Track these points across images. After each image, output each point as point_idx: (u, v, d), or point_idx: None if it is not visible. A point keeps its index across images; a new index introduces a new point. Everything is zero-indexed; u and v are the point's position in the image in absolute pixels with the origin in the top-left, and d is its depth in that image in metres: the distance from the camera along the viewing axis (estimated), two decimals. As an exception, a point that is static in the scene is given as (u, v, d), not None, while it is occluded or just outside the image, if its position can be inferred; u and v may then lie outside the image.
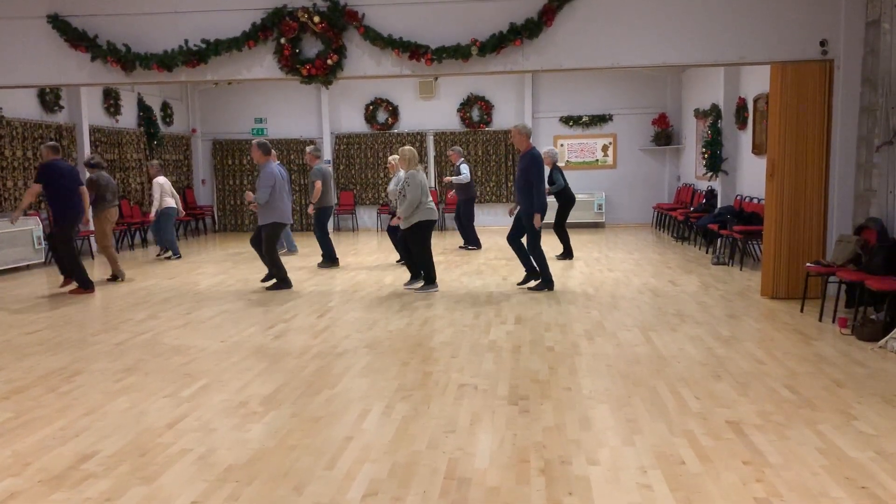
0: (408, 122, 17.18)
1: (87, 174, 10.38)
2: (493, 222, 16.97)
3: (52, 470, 3.83)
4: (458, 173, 12.64)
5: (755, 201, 10.92)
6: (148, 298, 8.79)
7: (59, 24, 8.37)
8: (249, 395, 5.03)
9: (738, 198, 11.89)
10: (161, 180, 12.28)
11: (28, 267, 11.51)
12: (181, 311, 8.02)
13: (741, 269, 10.05)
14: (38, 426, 4.49)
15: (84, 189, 9.29)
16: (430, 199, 8.69)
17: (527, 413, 4.54)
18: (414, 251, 8.84)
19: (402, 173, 10.04)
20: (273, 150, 9.27)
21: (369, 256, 12.41)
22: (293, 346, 6.35)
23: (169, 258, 12.46)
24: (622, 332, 6.65)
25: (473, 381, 5.23)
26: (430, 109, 17.07)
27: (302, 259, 12.18)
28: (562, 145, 16.83)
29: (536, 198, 8.42)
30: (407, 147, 8.90)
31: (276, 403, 4.83)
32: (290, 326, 7.15)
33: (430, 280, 8.86)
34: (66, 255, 9.10)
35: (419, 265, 8.92)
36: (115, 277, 10.04)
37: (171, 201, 12.35)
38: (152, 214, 12.35)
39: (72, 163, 12.90)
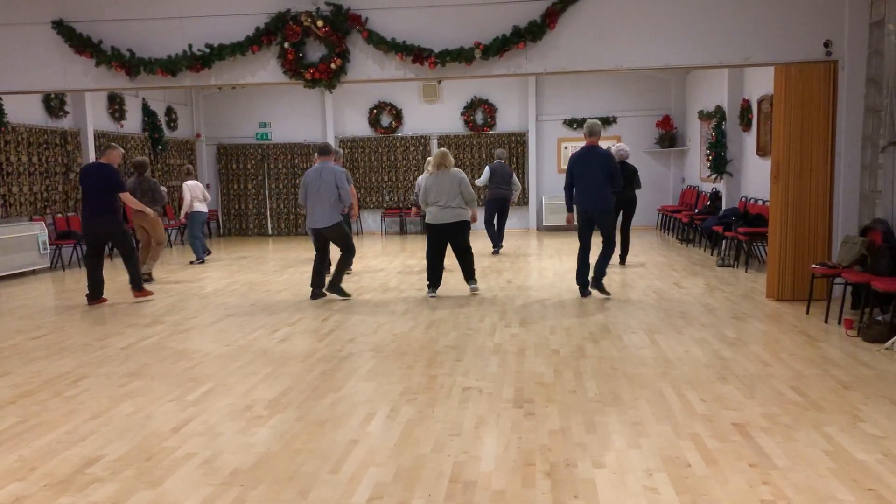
0: (412, 125, 17.20)
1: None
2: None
3: (58, 474, 3.83)
4: None
5: (760, 203, 10.90)
6: (153, 303, 8.80)
7: (64, 29, 8.40)
8: (254, 398, 5.03)
9: (743, 199, 11.87)
10: (190, 184, 12.44)
11: (34, 272, 11.54)
12: (186, 315, 8.03)
13: (746, 271, 10.02)
14: (44, 431, 4.50)
15: (123, 195, 8.84)
16: (442, 203, 8.47)
17: (532, 416, 4.53)
18: None
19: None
20: (332, 151, 8.75)
21: (374, 260, 12.41)
22: (298, 350, 6.35)
23: (200, 262, 12.55)
24: (627, 334, 6.64)
25: (478, 384, 5.23)
26: (433, 113, 17.09)
27: (307, 263, 12.20)
28: (566, 147, 16.83)
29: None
30: (438, 150, 8.82)
31: (281, 407, 4.83)
32: (295, 330, 7.15)
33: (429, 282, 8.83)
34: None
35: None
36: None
37: (199, 205, 12.42)
38: (182, 216, 12.86)
39: (76, 167, 12.98)
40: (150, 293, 8.98)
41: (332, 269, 8.87)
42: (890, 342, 5.91)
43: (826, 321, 6.90)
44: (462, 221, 8.59)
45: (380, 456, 3.97)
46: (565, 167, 16.40)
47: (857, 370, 5.35)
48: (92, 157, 13.29)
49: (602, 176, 8.22)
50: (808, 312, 7.30)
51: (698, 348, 6.08)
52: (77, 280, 10.93)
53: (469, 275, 8.83)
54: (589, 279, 8.51)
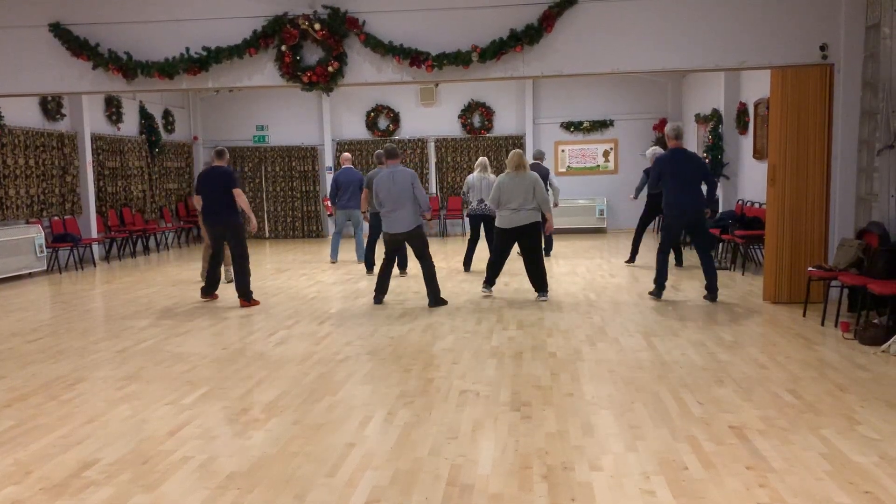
0: (409, 128, 17.20)
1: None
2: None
3: (54, 478, 3.82)
4: None
5: (756, 206, 10.91)
6: (150, 306, 8.78)
7: (61, 32, 8.39)
8: (251, 402, 5.02)
9: (740, 202, 11.88)
10: None
11: (30, 275, 11.52)
12: (183, 318, 8.02)
13: (743, 274, 10.03)
14: (40, 434, 4.48)
15: (236, 191, 8.66)
16: (515, 206, 8.26)
17: (529, 419, 4.53)
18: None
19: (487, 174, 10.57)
20: (400, 154, 8.64)
21: (371, 263, 12.38)
22: (295, 353, 6.34)
23: None
24: (624, 337, 6.64)
25: (475, 387, 5.22)
26: (431, 116, 17.09)
27: (304, 265, 12.19)
28: (563, 151, 16.83)
29: None
30: (513, 151, 8.64)
31: (277, 410, 4.82)
32: (292, 333, 7.14)
33: (486, 280, 8.84)
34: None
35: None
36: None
37: None
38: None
39: (73, 170, 12.97)
40: (257, 302, 8.71)
41: (426, 286, 8.47)
42: (886, 345, 5.92)
43: (823, 324, 6.91)
44: (534, 223, 8.36)
45: (377, 459, 3.96)
46: (563, 170, 16.70)
47: (854, 373, 5.36)
48: (89, 160, 13.30)
49: (698, 177, 8.18)
50: (804, 315, 7.31)
51: (695, 351, 6.09)
52: (73, 283, 10.92)
53: (539, 285, 8.50)
54: (665, 284, 8.42)
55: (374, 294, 8.62)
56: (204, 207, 8.73)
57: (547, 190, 12.20)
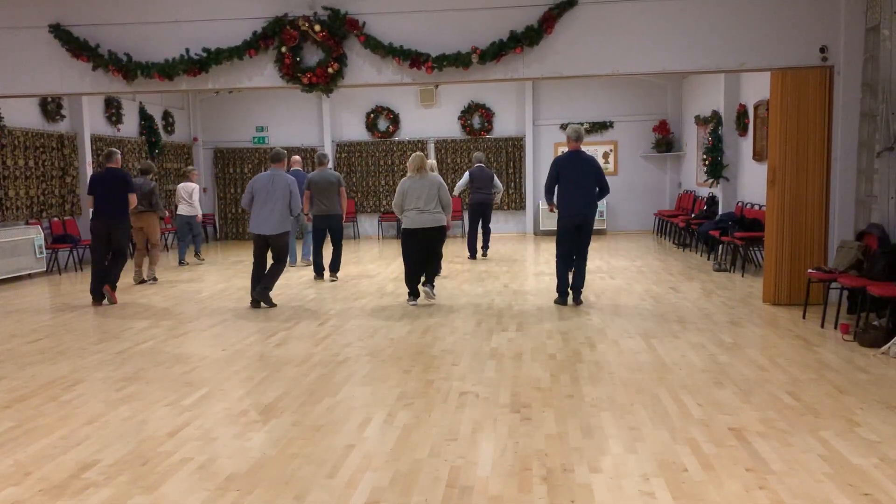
0: (409, 129, 17.21)
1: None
2: (495, 229, 16.94)
3: (53, 479, 3.82)
4: None
5: (756, 208, 10.92)
6: (149, 307, 8.78)
7: (61, 33, 8.40)
8: (250, 403, 5.02)
9: (740, 204, 11.89)
10: (179, 186, 12.89)
11: (30, 276, 11.52)
12: (183, 319, 8.02)
13: (743, 276, 10.03)
14: (39, 435, 4.48)
15: (130, 196, 9.10)
16: (421, 207, 8.24)
17: (528, 421, 4.53)
18: None
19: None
20: (283, 158, 8.74)
21: (370, 264, 12.41)
22: (294, 355, 6.34)
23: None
24: (624, 339, 6.64)
25: (475, 388, 5.22)
26: (430, 117, 17.10)
27: (303, 267, 12.19)
28: (563, 152, 16.83)
29: None
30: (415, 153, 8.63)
31: (277, 412, 4.82)
32: (292, 335, 7.14)
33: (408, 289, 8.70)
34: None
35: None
36: (144, 280, 10.68)
37: (183, 208, 12.78)
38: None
39: (73, 171, 12.97)
40: (116, 301, 9.02)
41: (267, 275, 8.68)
42: (886, 347, 5.92)
43: (822, 326, 6.91)
44: (441, 227, 8.40)
45: (376, 461, 3.96)
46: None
47: (854, 375, 5.36)
48: (89, 161, 13.29)
49: (593, 182, 8.16)
50: (804, 317, 7.31)
51: (695, 353, 6.09)
52: (73, 283, 10.91)
53: (430, 278, 8.59)
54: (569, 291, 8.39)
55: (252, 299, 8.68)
56: (96, 208, 8.97)
57: (493, 190, 12.50)
